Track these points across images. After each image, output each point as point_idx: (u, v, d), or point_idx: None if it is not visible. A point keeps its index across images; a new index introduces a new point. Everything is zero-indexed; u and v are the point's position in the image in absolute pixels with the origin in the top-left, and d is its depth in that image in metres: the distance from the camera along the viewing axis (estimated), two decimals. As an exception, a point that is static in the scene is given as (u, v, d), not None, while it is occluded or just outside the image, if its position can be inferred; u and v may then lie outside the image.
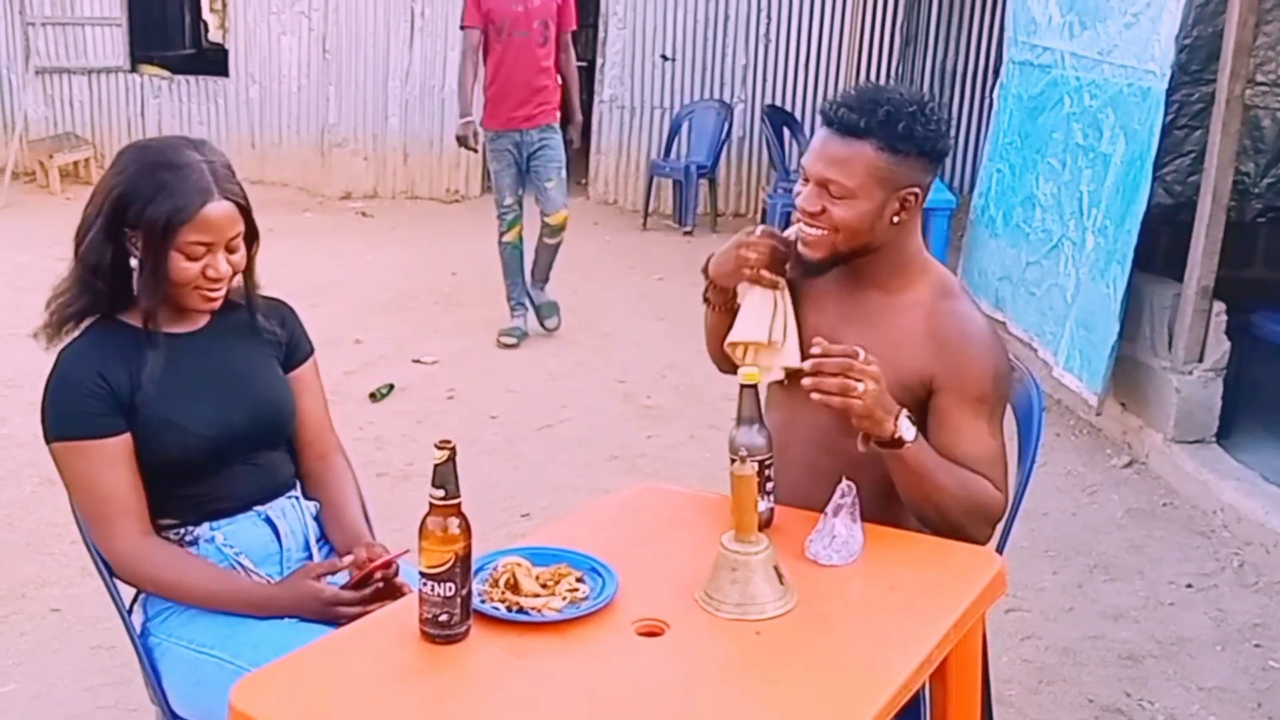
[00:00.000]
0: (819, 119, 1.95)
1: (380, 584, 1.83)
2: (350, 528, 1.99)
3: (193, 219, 1.77)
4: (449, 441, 1.53)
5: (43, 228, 7.32)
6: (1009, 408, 2.19)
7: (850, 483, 1.75)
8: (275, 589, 1.87)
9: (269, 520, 1.95)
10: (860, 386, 1.72)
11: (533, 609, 1.60)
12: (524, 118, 5.40)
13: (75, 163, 9.07)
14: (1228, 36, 4.11)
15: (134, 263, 1.83)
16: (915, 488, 1.82)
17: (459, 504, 1.54)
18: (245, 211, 1.85)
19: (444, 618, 1.53)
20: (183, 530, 1.90)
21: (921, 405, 1.91)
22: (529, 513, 3.82)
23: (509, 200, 5.50)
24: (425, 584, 1.53)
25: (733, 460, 1.69)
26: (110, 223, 1.80)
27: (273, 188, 8.92)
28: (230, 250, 1.84)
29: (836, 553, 1.73)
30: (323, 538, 2.03)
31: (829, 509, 1.75)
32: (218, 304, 1.89)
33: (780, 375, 2.02)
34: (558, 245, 5.66)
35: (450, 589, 1.52)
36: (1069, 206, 4.86)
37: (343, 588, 1.83)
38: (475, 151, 5.85)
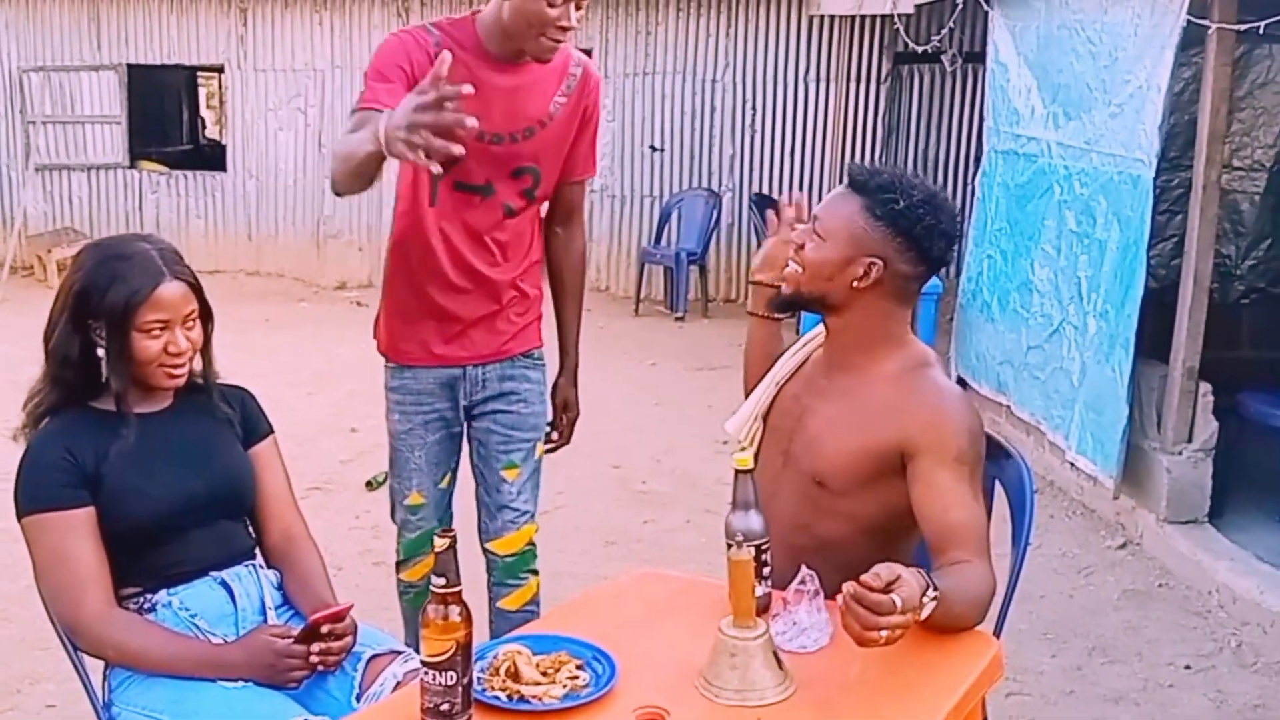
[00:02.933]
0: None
1: (330, 638, 1.91)
2: (316, 594, 2.06)
3: (148, 299, 1.92)
4: (450, 530, 1.56)
5: (39, 322, 7.34)
6: (1002, 488, 2.22)
7: (811, 571, 1.75)
8: (229, 648, 1.95)
9: (224, 584, 2.04)
10: (884, 635, 1.54)
11: (534, 697, 1.61)
12: (472, 344, 2.62)
13: (72, 257, 9.16)
14: (1201, 124, 4.23)
15: (100, 351, 1.96)
16: (937, 628, 1.76)
17: (460, 591, 1.55)
18: (197, 290, 2.00)
19: (445, 707, 1.54)
20: (142, 599, 1.99)
21: (897, 474, 1.92)
22: (525, 601, 3.80)
23: (417, 495, 2.69)
24: (427, 673, 1.54)
25: (729, 545, 1.72)
26: (74, 316, 1.94)
27: (269, 278, 9.02)
28: (187, 327, 1.97)
29: (801, 641, 1.72)
30: (285, 604, 2.10)
31: (789, 596, 1.75)
32: (181, 380, 2.00)
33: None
34: (528, 614, 2.74)
35: (452, 677, 1.53)
36: (1067, 291, 4.94)
37: (294, 641, 1.91)
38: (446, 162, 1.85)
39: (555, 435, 2.83)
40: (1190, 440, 4.33)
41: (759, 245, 9.60)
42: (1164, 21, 4.21)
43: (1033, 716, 3.17)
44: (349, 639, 1.94)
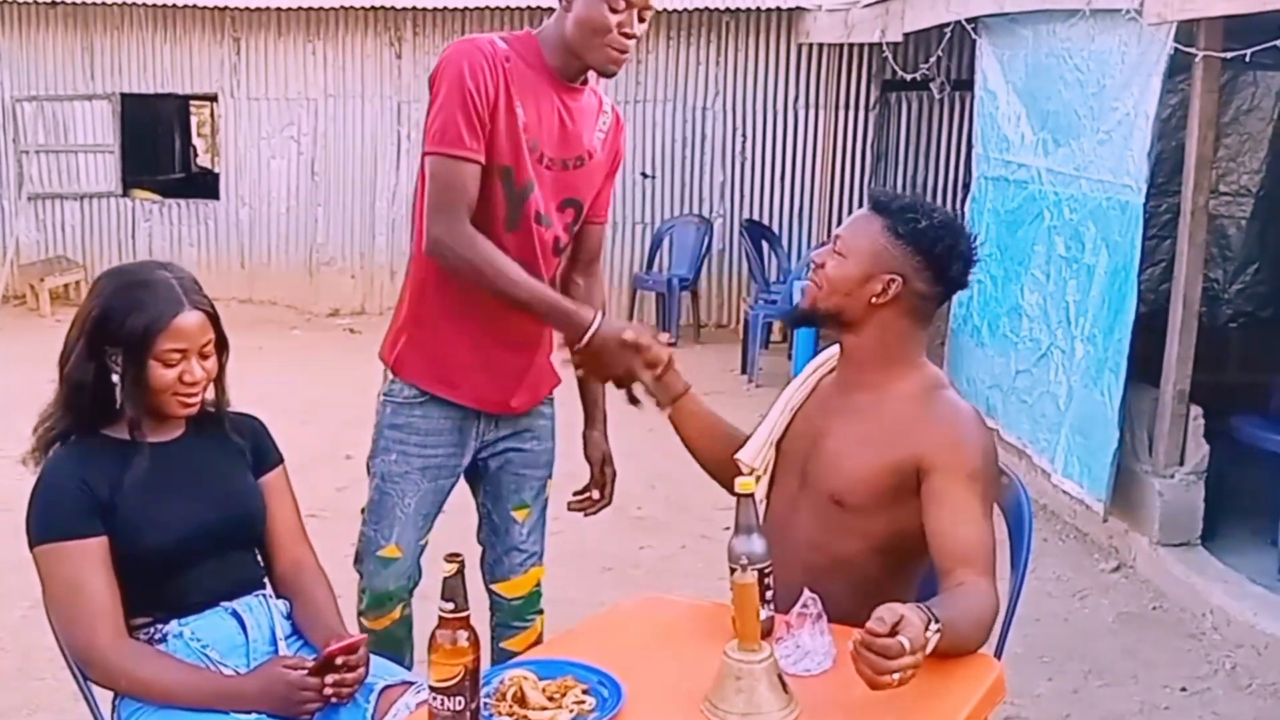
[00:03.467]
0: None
1: (344, 669, 1.91)
2: (328, 625, 2.06)
3: (166, 328, 1.92)
4: (458, 555, 1.58)
5: (32, 350, 7.34)
6: (1000, 512, 2.24)
7: (814, 595, 1.77)
8: (244, 680, 1.94)
9: (235, 614, 2.04)
10: (896, 677, 1.55)
11: (540, 722, 1.61)
12: (514, 393, 2.50)
13: (65, 285, 9.17)
14: (1189, 151, 4.28)
15: (115, 378, 1.96)
16: (943, 654, 1.74)
17: (468, 617, 1.57)
18: (214, 320, 2.00)
19: (453, 732, 1.55)
20: (153, 629, 1.98)
21: (913, 492, 1.95)
22: (523, 628, 3.80)
23: (395, 549, 2.48)
24: (435, 698, 1.55)
25: (733, 569, 1.73)
26: (91, 342, 1.94)
27: (262, 306, 9.02)
28: (203, 356, 1.98)
29: (805, 664, 1.73)
30: (294, 634, 2.10)
31: (791, 619, 1.77)
32: (194, 409, 2.01)
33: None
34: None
35: (460, 703, 1.54)
36: (1056, 316, 4.99)
37: (308, 673, 1.91)
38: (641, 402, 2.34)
39: (596, 494, 2.66)
40: (1182, 463, 4.36)
41: (750, 271, 9.52)
42: (1150, 49, 4.28)
43: (1031, 740, 3.18)
44: (362, 670, 1.93)
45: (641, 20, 2.26)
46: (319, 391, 6.74)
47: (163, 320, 1.92)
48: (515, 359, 2.45)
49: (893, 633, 1.54)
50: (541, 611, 2.69)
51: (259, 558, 2.14)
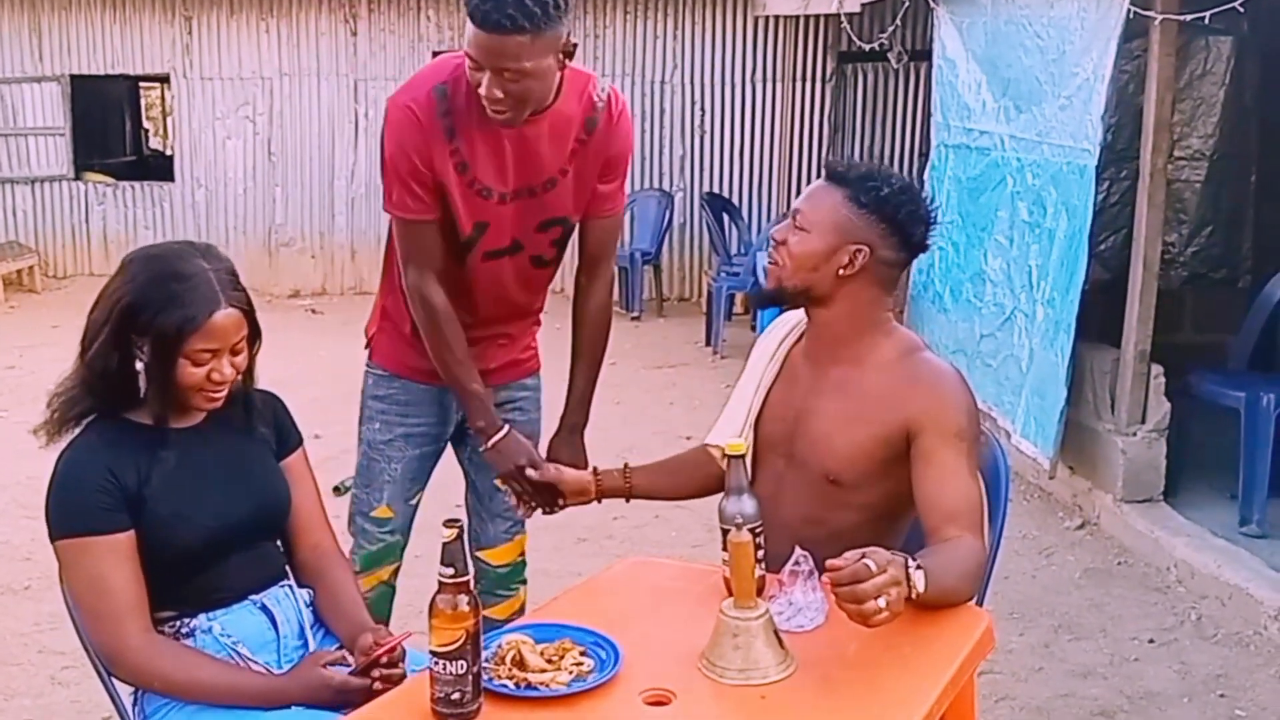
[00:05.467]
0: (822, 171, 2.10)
1: (386, 668, 1.85)
2: (350, 614, 2.01)
3: (201, 328, 1.82)
4: (457, 521, 1.59)
5: (-12, 336, 7.25)
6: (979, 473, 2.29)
7: (805, 552, 1.79)
8: (284, 680, 1.89)
9: (265, 609, 1.97)
10: (882, 603, 1.57)
11: (541, 684, 1.63)
12: (485, 378, 2.49)
13: (19, 271, 9.01)
14: (1147, 114, 4.35)
15: (140, 366, 1.86)
16: (935, 604, 1.79)
17: (468, 581, 1.58)
18: (249, 315, 1.90)
19: (456, 696, 1.56)
20: (179, 622, 1.92)
21: (904, 457, 1.97)
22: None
23: (386, 509, 2.60)
24: (436, 663, 1.55)
25: (726, 530, 1.76)
26: (118, 330, 1.84)
27: (219, 289, 8.93)
28: (234, 353, 1.89)
29: (798, 620, 1.76)
30: (318, 624, 2.05)
31: (784, 577, 1.79)
32: (219, 404, 1.93)
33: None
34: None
35: (462, 666, 1.55)
36: (1019, 280, 5.05)
37: (350, 674, 1.86)
38: (556, 509, 2.46)
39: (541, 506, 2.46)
40: (1144, 421, 4.45)
41: (712, 244, 9.53)
42: (1109, 13, 4.33)
43: (1005, 693, 3.24)
44: (403, 667, 1.86)
45: (506, 78, 2.08)
46: (283, 372, 6.65)
47: (198, 321, 1.81)
48: (486, 351, 2.50)
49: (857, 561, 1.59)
50: (525, 581, 2.74)
51: (280, 546, 2.07)
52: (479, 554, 2.67)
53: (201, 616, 1.92)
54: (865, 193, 1.99)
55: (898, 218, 2.00)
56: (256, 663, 1.93)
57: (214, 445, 1.97)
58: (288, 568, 2.07)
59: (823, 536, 1.98)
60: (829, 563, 1.61)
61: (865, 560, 1.59)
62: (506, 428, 2.39)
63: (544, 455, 2.49)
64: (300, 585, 2.08)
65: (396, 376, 2.53)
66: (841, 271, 2.00)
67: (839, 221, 2.00)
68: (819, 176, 2.09)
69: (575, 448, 2.59)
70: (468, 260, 2.38)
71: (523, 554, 2.71)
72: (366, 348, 2.59)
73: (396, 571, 2.65)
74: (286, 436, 2.10)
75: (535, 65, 2.08)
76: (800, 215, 2.03)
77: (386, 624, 2.58)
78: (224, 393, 1.91)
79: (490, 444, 2.39)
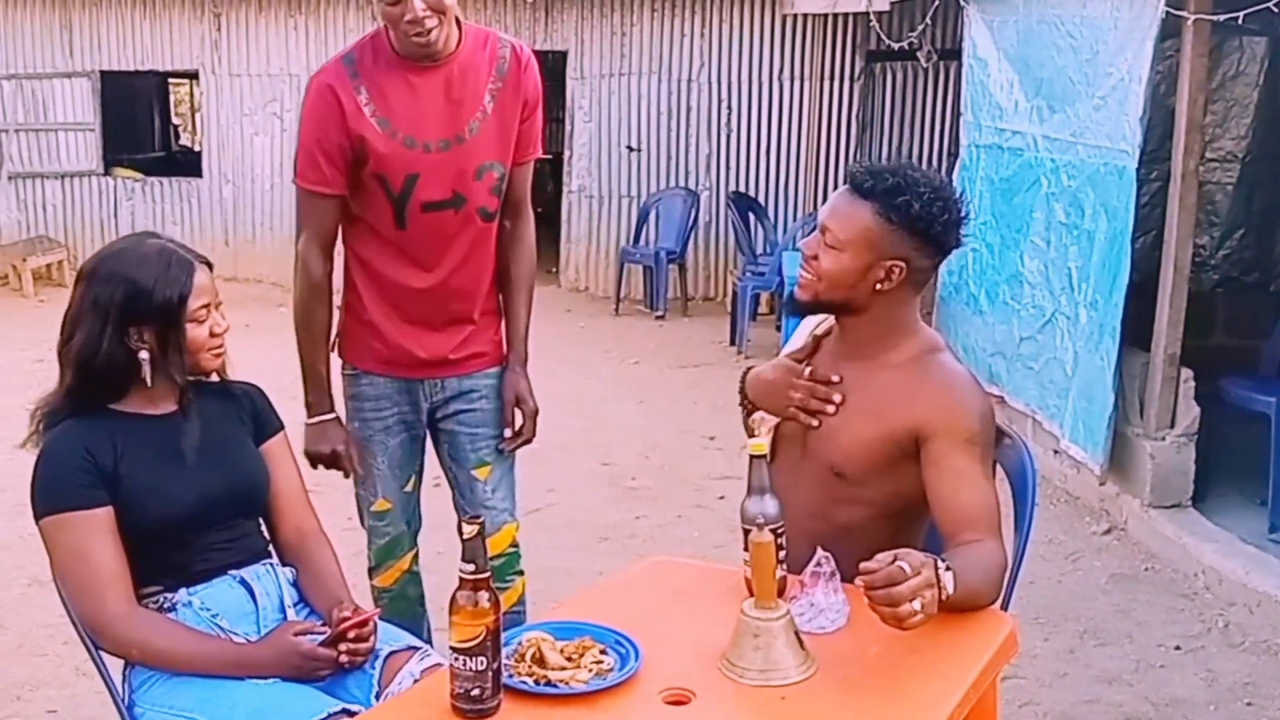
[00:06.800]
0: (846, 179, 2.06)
1: (354, 642, 1.93)
2: (332, 592, 2.07)
3: (195, 288, 1.98)
4: (478, 517, 1.58)
5: (16, 330, 7.32)
6: (1004, 472, 2.26)
7: (827, 554, 1.79)
8: (257, 647, 1.95)
9: (244, 582, 2.04)
10: (917, 605, 1.58)
11: (560, 681, 1.62)
12: (432, 362, 2.60)
13: (48, 265, 9.10)
14: (1179, 114, 4.30)
15: (143, 355, 1.96)
16: (960, 607, 1.79)
17: (489, 578, 1.57)
18: (211, 269, 2.07)
19: (476, 692, 1.56)
20: (162, 597, 1.99)
21: (912, 458, 1.96)
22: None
23: (383, 501, 2.68)
24: (457, 659, 1.56)
25: (747, 530, 1.75)
26: (120, 325, 1.94)
27: (246, 284, 8.97)
28: (219, 307, 2.04)
29: (819, 622, 1.75)
30: (301, 601, 2.11)
31: (805, 578, 1.79)
32: (223, 358, 2.07)
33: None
34: (515, 615, 2.66)
35: (482, 663, 1.55)
36: (1058, 282, 4.99)
37: (320, 644, 1.93)
38: (351, 474, 2.65)
39: (508, 432, 2.66)
40: (1173, 426, 4.40)
41: (737, 243, 9.52)
42: (1143, 13, 4.28)
43: (1029, 698, 3.21)
44: (373, 641, 1.96)
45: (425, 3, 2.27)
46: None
47: (189, 282, 1.97)
48: (451, 340, 2.59)
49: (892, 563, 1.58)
50: (521, 573, 2.76)
51: (263, 528, 2.15)
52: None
53: (182, 591, 1.99)
54: (895, 210, 1.95)
55: (931, 231, 1.97)
56: (236, 634, 1.99)
57: (190, 427, 2.04)
58: (272, 549, 2.15)
59: (831, 532, 1.98)
60: (863, 565, 1.60)
61: (899, 563, 1.59)
62: (335, 414, 2.57)
63: (506, 400, 2.64)
64: (284, 565, 2.14)
65: (364, 373, 2.62)
66: (879, 286, 1.99)
67: (871, 240, 1.97)
68: (844, 183, 2.06)
69: (524, 381, 2.68)
70: (407, 215, 2.46)
71: (514, 545, 2.72)
72: (333, 348, 2.63)
73: (415, 558, 2.75)
74: (266, 422, 2.18)
75: None
76: (830, 233, 2.00)
77: (422, 609, 2.81)
78: (224, 344, 2.05)
79: (314, 420, 2.56)
